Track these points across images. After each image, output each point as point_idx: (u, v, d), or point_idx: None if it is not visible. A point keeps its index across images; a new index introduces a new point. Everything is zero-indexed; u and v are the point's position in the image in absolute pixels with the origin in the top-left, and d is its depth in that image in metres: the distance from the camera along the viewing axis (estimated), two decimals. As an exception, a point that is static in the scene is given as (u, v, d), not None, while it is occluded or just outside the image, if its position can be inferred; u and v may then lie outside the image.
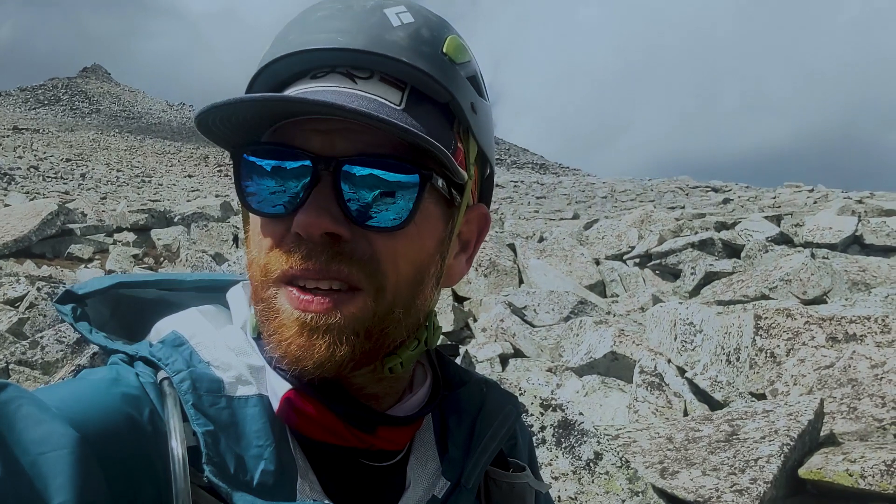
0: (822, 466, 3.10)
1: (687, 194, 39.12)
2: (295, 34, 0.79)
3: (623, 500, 3.08)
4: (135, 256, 12.61)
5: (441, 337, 0.93)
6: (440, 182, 0.78)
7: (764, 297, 7.12)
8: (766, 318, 4.65)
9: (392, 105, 0.76)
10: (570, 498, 3.09)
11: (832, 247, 10.46)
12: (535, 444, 3.10)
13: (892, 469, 2.90)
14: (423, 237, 0.78)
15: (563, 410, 3.27)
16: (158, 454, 0.68)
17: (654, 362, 5.00)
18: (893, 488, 2.85)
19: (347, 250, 0.73)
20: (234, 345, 0.81)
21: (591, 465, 3.15)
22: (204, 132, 0.75)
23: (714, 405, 4.44)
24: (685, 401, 4.57)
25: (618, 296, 9.52)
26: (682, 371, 5.01)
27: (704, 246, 10.90)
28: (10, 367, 5.22)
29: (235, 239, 13.83)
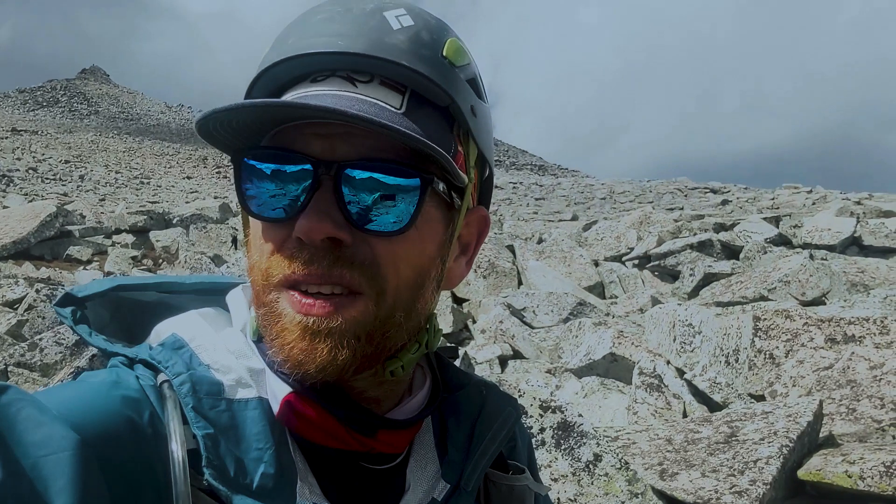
0: (821, 468, 3.10)
1: (686, 195, 39.15)
2: (294, 37, 0.78)
3: (622, 502, 3.08)
4: (133, 258, 12.60)
5: (440, 339, 0.93)
6: (441, 186, 0.78)
7: (763, 298, 7.13)
8: (765, 319, 4.65)
9: (392, 109, 0.76)
10: (570, 500, 3.09)
11: (831, 248, 10.47)
12: (534, 446, 3.09)
13: (891, 470, 2.90)
14: (424, 241, 0.78)
15: (562, 412, 3.27)
16: (159, 457, 0.68)
17: (653, 364, 5.01)
18: (892, 489, 2.85)
19: (349, 255, 0.73)
20: (233, 347, 0.81)
21: (591, 466, 3.15)
22: (205, 137, 0.75)
23: (713, 406, 4.44)
24: (684, 402, 4.58)
25: (617, 297, 9.53)
26: (681, 372, 5.01)
27: (703, 247, 10.90)
28: (8, 369, 5.21)
29: (234, 240, 13.83)
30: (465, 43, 0.84)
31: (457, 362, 1.01)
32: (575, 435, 3.22)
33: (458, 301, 8.76)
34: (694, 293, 8.88)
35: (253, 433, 0.74)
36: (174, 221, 15.29)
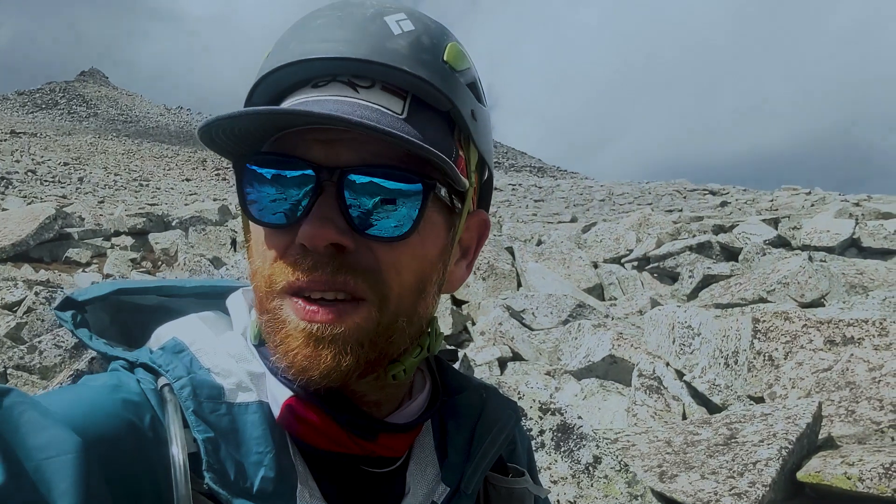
0: (820, 470, 3.11)
1: (685, 197, 39.16)
2: (295, 42, 0.78)
3: (622, 504, 3.08)
4: (133, 260, 12.60)
5: (442, 342, 0.94)
6: (443, 191, 0.78)
7: (762, 299, 7.13)
8: (764, 321, 4.66)
9: (394, 114, 0.76)
10: (570, 502, 3.09)
11: (830, 250, 10.48)
12: (534, 449, 3.09)
13: (890, 472, 2.90)
14: (426, 246, 0.78)
15: (562, 414, 3.27)
16: (160, 460, 0.69)
17: (652, 366, 5.01)
18: (892, 491, 2.86)
19: (352, 261, 0.73)
20: (234, 351, 0.81)
21: (590, 468, 3.15)
22: (207, 144, 0.75)
23: (712, 408, 4.44)
24: (684, 404, 4.58)
25: (616, 299, 9.54)
26: (680, 374, 5.01)
27: (702, 249, 10.92)
28: (7, 371, 5.21)
29: (233, 242, 13.83)
30: (464, 44, 0.84)
31: (456, 365, 1.01)
32: (574, 437, 3.22)
33: (458, 303, 8.76)
34: (693, 295, 8.89)
35: (253, 437, 0.74)
36: (173, 223, 15.30)
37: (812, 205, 22.77)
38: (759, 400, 4.37)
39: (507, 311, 7.36)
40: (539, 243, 12.25)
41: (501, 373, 6.31)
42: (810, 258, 8.31)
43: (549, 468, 3.16)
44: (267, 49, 0.84)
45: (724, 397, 4.41)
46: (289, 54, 0.77)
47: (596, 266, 10.87)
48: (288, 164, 0.74)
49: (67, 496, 0.58)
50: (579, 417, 3.34)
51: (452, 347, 1.15)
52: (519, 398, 3.31)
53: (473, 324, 8.02)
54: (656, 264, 10.77)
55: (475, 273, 9.22)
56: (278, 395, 0.77)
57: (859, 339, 4.23)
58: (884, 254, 10.21)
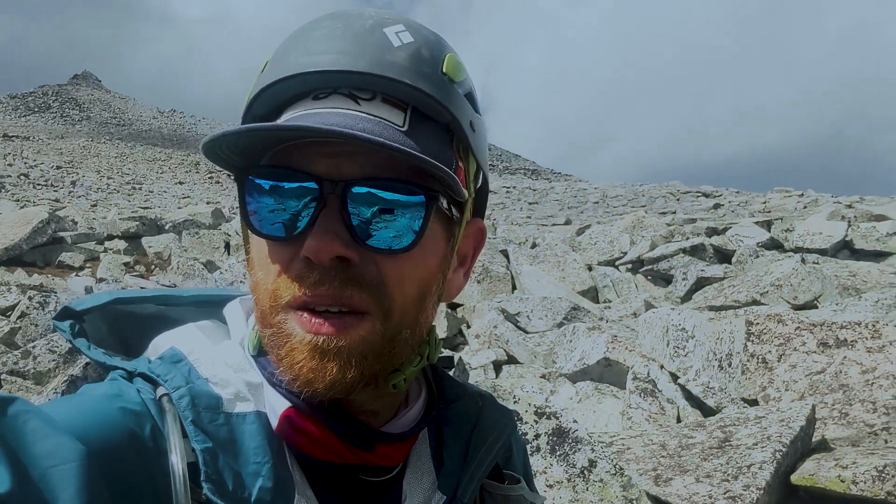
0: (814, 472, 3.12)
1: (678, 199, 39.25)
2: (295, 54, 0.78)
3: (617, 508, 3.08)
4: (126, 264, 12.55)
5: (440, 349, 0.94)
6: (444, 202, 0.79)
7: (755, 302, 7.16)
8: (758, 323, 4.68)
9: (396, 127, 0.76)
10: (565, 505, 3.09)
11: (822, 252, 10.52)
12: (529, 452, 3.09)
13: (883, 475, 2.92)
14: (428, 257, 0.79)
15: (557, 418, 3.28)
16: (160, 469, 0.69)
17: (647, 368, 5.02)
18: (885, 494, 2.87)
19: (356, 275, 0.73)
20: (232, 361, 0.82)
21: (586, 472, 3.16)
22: (212, 159, 0.75)
23: (707, 411, 4.46)
24: (678, 407, 4.59)
25: (610, 301, 9.55)
26: (674, 377, 5.03)
27: (696, 251, 10.94)
28: (1, 377, 5.18)
29: (227, 246, 13.80)
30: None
31: (451, 370, 1.02)
32: (570, 441, 3.23)
33: (453, 306, 8.76)
34: (687, 297, 8.91)
35: (251, 447, 0.74)
36: (166, 227, 15.24)
37: (805, 207, 22.86)
38: (753, 402, 4.38)
39: (501, 314, 7.36)
40: (533, 246, 12.26)
41: (496, 376, 6.31)
42: (803, 260, 8.34)
43: (545, 472, 3.17)
44: (264, 57, 0.84)
45: (719, 400, 4.43)
46: (289, 66, 0.77)
47: (590, 268, 10.89)
48: (291, 176, 0.74)
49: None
50: (574, 421, 3.35)
51: (448, 354, 1.16)
52: (514, 402, 3.31)
53: (468, 327, 8.01)
54: (650, 267, 10.79)
55: (470, 276, 9.22)
56: (276, 406, 0.77)
57: (852, 341, 4.25)
58: (876, 256, 10.25)
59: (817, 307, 6.69)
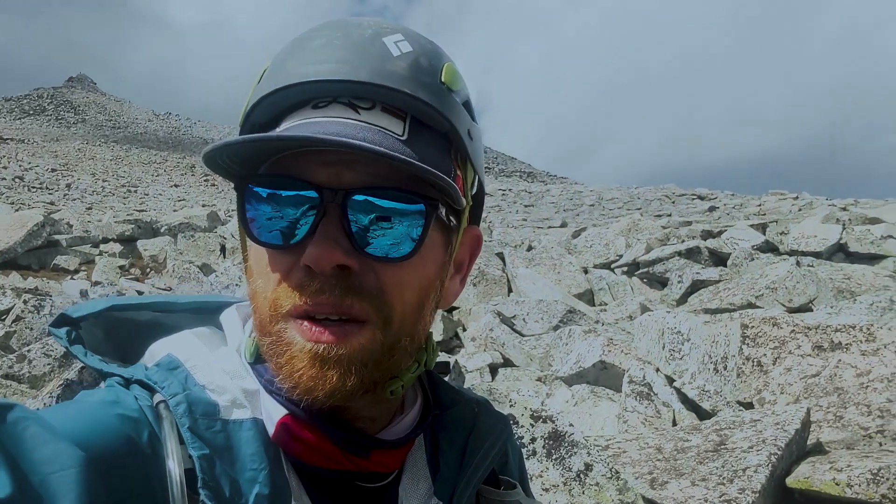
0: (809, 475, 3.13)
1: (673, 202, 39.31)
2: (294, 63, 0.78)
3: (613, 511, 3.09)
4: (121, 267, 12.53)
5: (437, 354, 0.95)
6: (443, 210, 0.79)
7: (750, 305, 7.17)
8: (753, 326, 4.69)
9: (395, 136, 0.76)
10: (561, 509, 3.10)
11: (817, 255, 10.54)
12: (525, 456, 3.09)
13: (878, 478, 2.93)
14: (427, 265, 0.79)
15: (553, 422, 3.28)
16: (157, 476, 0.70)
17: (642, 372, 5.03)
18: (880, 497, 2.88)
19: (357, 283, 0.73)
20: (228, 368, 0.82)
21: (582, 476, 3.16)
22: (213, 168, 0.75)
23: (702, 414, 4.46)
24: (674, 410, 4.60)
25: (606, 304, 9.56)
26: (670, 380, 5.03)
27: (691, 254, 10.96)
28: (-4, 381, 5.16)
29: (223, 249, 13.79)
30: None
31: (447, 376, 1.02)
32: (566, 444, 3.23)
33: (449, 309, 8.77)
34: (682, 300, 8.92)
35: (248, 454, 0.75)
36: (162, 230, 15.22)
37: (799, 209, 22.91)
38: (749, 405, 4.39)
39: (497, 316, 7.37)
40: (529, 249, 12.27)
41: (492, 379, 6.32)
42: (798, 263, 8.36)
43: (541, 476, 3.17)
44: (260, 61, 0.84)
45: (714, 403, 4.44)
46: (288, 76, 0.78)
47: (586, 271, 10.90)
48: (292, 185, 0.75)
49: None
50: (570, 425, 3.35)
51: (444, 360, 1.16)
52: (510, 406, 3.32)
53: (464, 330, 8.02)
54: (646, 269, 10.81)
55: (465, 279, 9.21)
56: (273, 413, 0.77)
57: (847, 344, 4.26)
58: (871, 259, 10.28)
59: (812, 310, 6.71)
